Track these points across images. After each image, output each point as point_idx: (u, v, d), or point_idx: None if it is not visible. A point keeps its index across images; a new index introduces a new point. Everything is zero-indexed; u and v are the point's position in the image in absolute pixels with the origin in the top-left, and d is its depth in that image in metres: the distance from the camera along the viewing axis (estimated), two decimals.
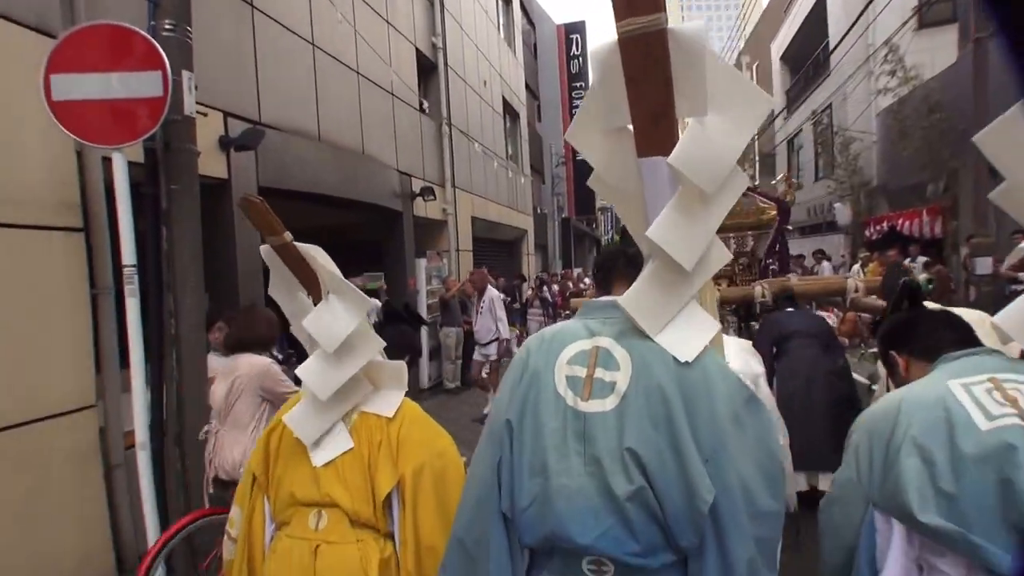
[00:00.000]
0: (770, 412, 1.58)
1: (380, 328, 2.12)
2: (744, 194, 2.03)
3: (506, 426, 1.46)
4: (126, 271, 3.35)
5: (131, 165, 3.45)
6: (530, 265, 18.82)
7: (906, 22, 10.94)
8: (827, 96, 18.56)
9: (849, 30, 12.02)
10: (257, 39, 6.16)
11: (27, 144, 3.55)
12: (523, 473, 1.41)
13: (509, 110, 17.74)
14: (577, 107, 23.54)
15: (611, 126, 1.44)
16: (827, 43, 17.53)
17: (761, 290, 5.10)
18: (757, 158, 33.15)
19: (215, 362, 3.82)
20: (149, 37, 3.40)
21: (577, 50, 30.21)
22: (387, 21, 9.25)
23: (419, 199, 9.73)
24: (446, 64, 11.49)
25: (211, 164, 5.22)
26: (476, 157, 13.18)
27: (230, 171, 5.57)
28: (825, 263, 13.68)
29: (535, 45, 28.97)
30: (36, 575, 3.46)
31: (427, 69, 11.20)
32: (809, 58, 20.36)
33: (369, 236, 9.70)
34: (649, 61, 1.27)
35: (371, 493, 1.84)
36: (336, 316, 1.87)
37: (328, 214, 8.27)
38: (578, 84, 30.71)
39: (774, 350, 4.56)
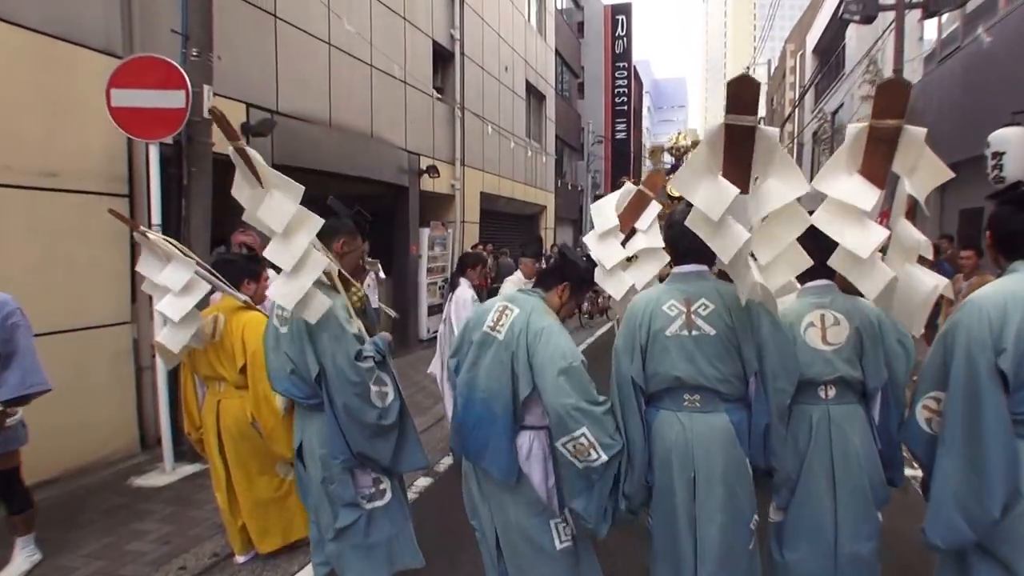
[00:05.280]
0: None
1: (228, 263, 3.50)
2: None
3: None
4: (153, 227, 4.81)
5: (165, 147, 4.91)
6: (550, 239, 20.06)
7: (881, 36, 11.50)
8: (840, 95, 18.98)
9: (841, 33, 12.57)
10: (279, 43, 7.55)
11: (92, 134, 4.99)
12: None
13: (534, 92, 18.78)
14: (620, 86, 24.11)
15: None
16: (844, 44, 17.97)
17: None
18: (794, 145, 33.39)
19: None
20: (177, 65, 4.83)
21: (622, 31, 30.51)
22: (404, 18, 10.48)
23: (425, 175, 11.06)
24: (462, 53, 12.63)
25: None
26: (490, 137, 14.39)
27: None
28: None
29: (581, 24, 29.63)
30: (80, 436, 4.91)
31: (444, 58, 12.38)
32: (833, 53, 20.64)
33: (378, 206, 11.11)
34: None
35: (236, 369, 3.25)
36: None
37: (339, 186, 9.68)
38: (621, 64, 31.19)
39: None
